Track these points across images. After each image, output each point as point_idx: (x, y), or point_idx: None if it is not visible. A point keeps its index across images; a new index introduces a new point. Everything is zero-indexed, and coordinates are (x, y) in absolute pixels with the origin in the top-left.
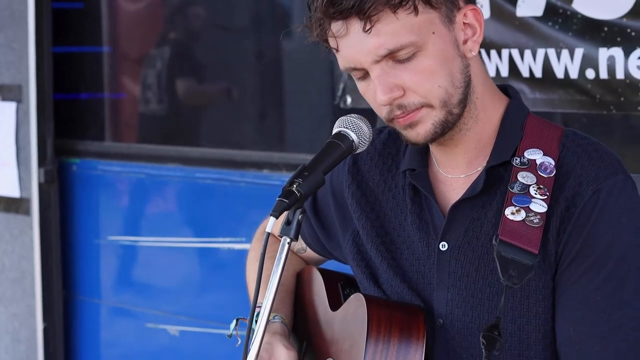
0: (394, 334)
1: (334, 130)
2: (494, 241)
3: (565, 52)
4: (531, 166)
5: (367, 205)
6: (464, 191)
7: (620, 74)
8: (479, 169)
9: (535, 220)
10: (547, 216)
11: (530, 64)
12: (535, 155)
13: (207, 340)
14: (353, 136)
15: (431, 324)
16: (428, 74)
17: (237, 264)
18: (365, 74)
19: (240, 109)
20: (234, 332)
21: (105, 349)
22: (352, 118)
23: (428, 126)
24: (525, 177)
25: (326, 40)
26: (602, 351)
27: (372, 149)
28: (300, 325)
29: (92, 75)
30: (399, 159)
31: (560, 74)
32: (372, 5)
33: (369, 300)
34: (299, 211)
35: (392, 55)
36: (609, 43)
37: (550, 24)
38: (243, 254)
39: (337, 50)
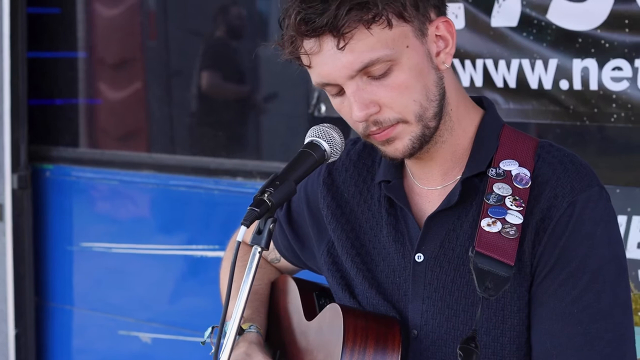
0: (370, 345)
1: (306, 140)
2: (470, 252)
3: (539, 63)
4: (507, 177)
5: (342, 216)
6: (439, 203)
7: (594, 85)
8: (455, 180)
9: (511, 232)
10: (523, 227)
11: (504, 74)
12: (510, 166)
13: (179, 348)
14: (325, 145)
15: (406, 335)
16: (403, 88)
17: (210, 271)
18: (340, 90)
19: (214, 117)
20: (208, 340)
21: (77, 355)
22: (325, 127)
23: (406, 142)
24: (500, 189)
25: (298, 58)
26: None
27: (347, 160)
28: (273, 334)
29: (67, 81)
30: (374, 170)
31: (534, 85)
32: (346, 22)
33: (345, 310)
34: (270, 220)
35: (366, 71)
36: (583, 54)
37: (524, 34)
38: (216, 261)
39: (309, 67)
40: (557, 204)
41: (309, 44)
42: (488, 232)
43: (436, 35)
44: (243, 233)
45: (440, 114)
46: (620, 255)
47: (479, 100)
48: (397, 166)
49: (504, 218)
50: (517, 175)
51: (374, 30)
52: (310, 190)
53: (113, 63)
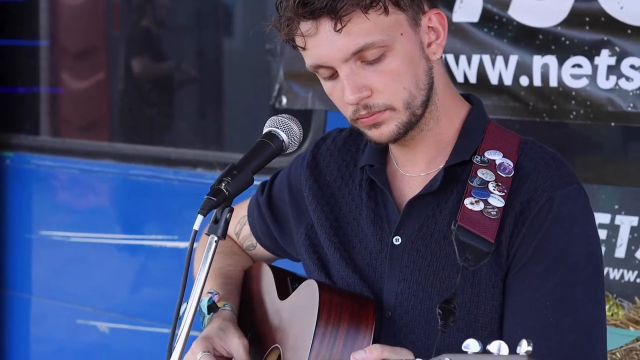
0: (344, 321)
1: (265, 130)
2: (452, 226)
3: (500, 59)
4: (490, 165)
5: (322, 198)
6: (421, 188)
7: (553, 82)
8: (438, 168)
9: (492, 213)
10: (503, 215)
11: (465, 69)
12: (495, 155)
13: (137, 338)
14: (283, 136)
15: (379, 316)
16: (395, 75)
17: (169, 261)
18: (332, 74)
19: (176, 107)
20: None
21: (35, 343)
22: (283, 118)
23: (392, 127)
24: (484, 174)
25: (293, 39)
26: (548, 355)
27: (332, 145)
28: (245, 318)
29: (29, 69)
30: (357, 156)
31: (494, 80)
32: (344, 5)
33: (321, 285)
34: (227, 210)
35: (360, 55)
36: (544, 51)
37: (485, 30)
38: (175, 252)
39: (304, 49)
40: (536, 197)
41: (305, 26)
42: (471, 210)
43: (428, 26)
44: (200, 222)
45: (427, 103)
46: (596, 252)
47: (467, 96)
48: (382, 152)
49: (486, 200)
50: (501, 164)
51: (370, 15)
52: (293, 175)
53: (76, 52)
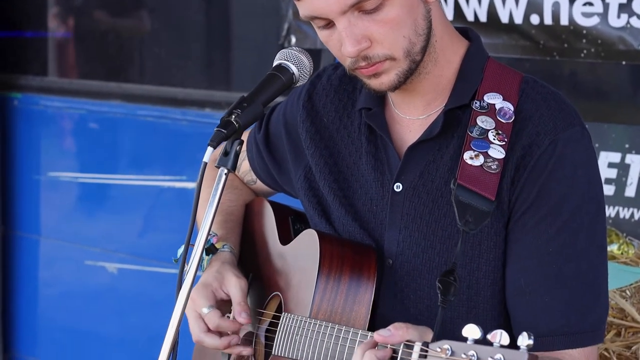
0: (345, 272)
1: (275, 63)
2: (452, 185)
3: None
4: (490, 110)
5: (320, 141)
6: (421, 133)
7: (564, 20)
8: (437, 110)
9: (493, 167)
10: (504, 163)
11: (475, 8)
12: (494, 99)
13: (145, 279)
14: (293, 69)
15: (380, 264)
16: (395, 24)
17: (177, 202)
18: (328, 23)
19: (184, 47)
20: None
21: (44, 284)
22: (293, 51)
23: (392, 76)
24: (484, 122)
25: None
26: (551, 302)
27: (327, 84)
28: (247, 256)
29: (36, 13)
30: (355, 96)
31: (504, 19)
32: None
33: (321, 236)
34: (237, 142)
35: (359, 6)
36: None
37: None
38: (184, 192)
39: (299, 0)
40: (538, 141)
41: None
42: (470, 165)
43: None
44: (209, 154)
45: (426, 47)
46: (599, 196)
47: (465, 31)
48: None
49: (486, 152)
50: (501, 109)
51: None
52: (289, 114)
53: None
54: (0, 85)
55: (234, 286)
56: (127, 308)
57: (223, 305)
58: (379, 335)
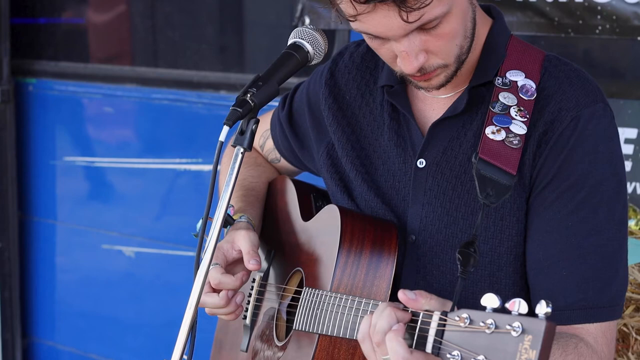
0: (366, 247)
1: (289, 41)
2: (473, 159)
3: None
4: (512, 87)
5: (343, 118)
6: (444, 110)
7: None
8: (461, 89)
9: (514, 142)
10: (526, 138)
11: None
12: (517, 77)
13: (162, 262)
14: (308, 47)
15: (402, 240)
16: (451, 36)
17: (193, 184)
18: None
19: (198, 30)
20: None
21: (61, 269)
22: (308, 29)
23: (441, 78)
24: (506, 98)
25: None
26: (569, 276)
27: (350, 62)
28: (269, 233)
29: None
30: (377, 73)
31: None
32: None
33: (342, 211)
34: (252, 121)
35: (420, 27)
36: None
37: None
38: (199, 174)
39: (354, 21)
40: (560, 117)
41: (361, 7)
42: (492, 139)
43: None
44: (225, 133)
45: (471, 45)
46: (620, 172)
47: (488, 8)
48: None
49: (508, 127)
50: (523, 86)
51: None
52: (312, 91)
53: None
54: (15, 70)
55: (243, 239)
56: (145, 292)
57: (237, 266)
58: (403, 293)
